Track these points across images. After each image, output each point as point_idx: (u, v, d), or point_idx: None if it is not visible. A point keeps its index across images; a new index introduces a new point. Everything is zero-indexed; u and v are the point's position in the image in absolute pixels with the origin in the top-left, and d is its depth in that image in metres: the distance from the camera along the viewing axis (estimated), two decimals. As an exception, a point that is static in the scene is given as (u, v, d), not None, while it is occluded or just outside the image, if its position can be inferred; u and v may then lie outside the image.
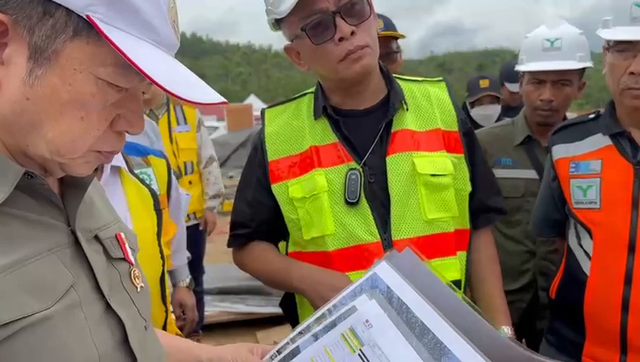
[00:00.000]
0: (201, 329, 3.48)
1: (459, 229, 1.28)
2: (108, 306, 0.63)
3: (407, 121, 1.26)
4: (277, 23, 1.26)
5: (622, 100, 1.33)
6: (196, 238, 3.27)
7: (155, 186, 1.50)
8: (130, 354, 0.64)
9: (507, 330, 1.31)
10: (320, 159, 1.24)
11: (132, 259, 0.72)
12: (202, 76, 0.67)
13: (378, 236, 1.19)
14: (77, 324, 0.58)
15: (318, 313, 0.87)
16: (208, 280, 3.93)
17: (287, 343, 0.86)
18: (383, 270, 0.85)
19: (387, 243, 1.18)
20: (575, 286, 1.37)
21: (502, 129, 2.04)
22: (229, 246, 1.41)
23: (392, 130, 1.25)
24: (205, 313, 3.65)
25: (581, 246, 1.38)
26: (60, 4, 0.53)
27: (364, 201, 1.20)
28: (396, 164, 1.22)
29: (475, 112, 3.16)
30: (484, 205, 1.35)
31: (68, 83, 0.55)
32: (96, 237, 0.67)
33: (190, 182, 3.23)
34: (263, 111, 1.39)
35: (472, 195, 1.31)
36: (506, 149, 1.95)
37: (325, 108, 1.26)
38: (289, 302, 1.40)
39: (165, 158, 1.63)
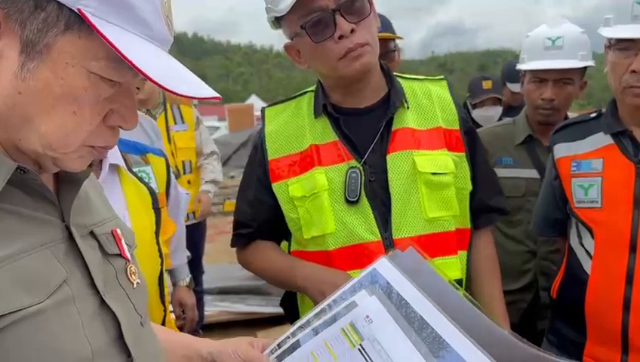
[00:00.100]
0: (201, 328, 3.48)
1: (460, 228, 1.28)
2: (102, 302, 0.63)
3: (408, 120, 1.26)
4: (277, 21, 1.25)
5: (623, 99, 1.33)
6: (196, 238, 3.26)
7: (153, 185, 1.50)
8: (125, 349, 0.64)
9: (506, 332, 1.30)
10: (320, 158, 1.24)
11: (128, 255, 0.72)
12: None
13: (379, 235, 1.19)
14: (70, 319, 0.58)
15: (318, 308, 0.87)
16: (208, 280, 3.93)
17: (288, 337, 0.86)
18: (383, 266, 0.86)
19: (388, 242, 1.18)
20: (576, 286, 1.37)
21: (503, 128, 2.03)
22: (232, 245, 1.41)
23: (393, 129, 1.24)
24: (205, 312, 3.65)
25: (582, 246, 1.38)
26: None
27: (364, 200, 1.20)
28: (397, 163, 1.21)
29: (477, 113, 3.16)
30: (485, 205, 1.35)
31: (60, 77, 0.55)
32: (92, 233, 0.67)
33: (189, 182, 3.22)
34: (263, 110, 1.39)
35: (472, 194, 1.31)
36: (507, 149, 1.95)
37: (325, 106, 1.26)
38: (289, 301, 1.40)
39: (164, 157, 1.63)
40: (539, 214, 1.62)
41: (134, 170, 1.44)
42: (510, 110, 3.11)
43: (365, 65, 1.18)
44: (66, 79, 0.55)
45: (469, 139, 1.31)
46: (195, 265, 3.18)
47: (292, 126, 1.30)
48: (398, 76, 1.34)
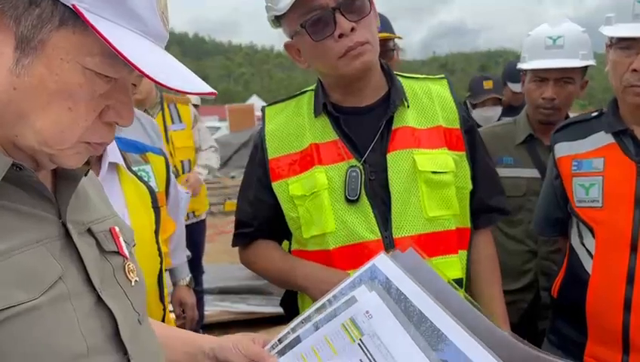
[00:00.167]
0: (201, 328, 3.48)
1: (460, 227, 1.27)
2: (99, 299, 0.63)
3: (408, 118, 1.26)
4: (277, 20, 1.25)
5: (624, 98, 1.33)
6: (195, 237, 3.26)
7: (153, 183, 1.50)
8: (122, 347, 0.64)
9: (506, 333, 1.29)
10: (320, 157, 1.23)
11: (126, 252, 0.72)
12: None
13: (379, 234, 1.18)
14: (65, 315, 0.58)
15: (319, 303, 0.88)
16: (209, 280, 3.93)
17: (288, 333, 0.87)
18: (382, 262, 0.86)
19: (388, 240, 1.18)
20: (577, 286, 1.36)
21: (503, 128, 2.03)
22: (233, 245, 1.41)
23: (393, 127, 1.24)
24: (206, 312, 3.66)
25: (583, 245, 1.37)
26: None
27: (364, 199, 1.20)
28: (397, 162, 1.21)
29: (477, 113, 3.15)
30: (486, 205, 1.34)
31: (55, 73, 0.55)
32: (89, 231, 0.67)
33: (188, 180, 3.21)
34: (263, 109, 1.38)
35: (473, 194, 1.30)
36: (508, 148, 1.94)
37: (325, 105, 1.26)
38: (290, 301, 1.40)
39: (164, 156, 1.63)
40: (540, 214, 1.61)
41: (134, 168, 1.44)
42: (511, 110, 3.10)
43: (365, 64, 1.17)
44: (61, 75, 0.55)
45: (469, 138, 1.30)
46: (195, 265, 3.18)
47: (292, 125, 1.30)
48: (399, 75, 1.33)
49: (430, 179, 1.21)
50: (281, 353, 0.86)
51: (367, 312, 0.82)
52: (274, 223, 1.31)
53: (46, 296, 0.56)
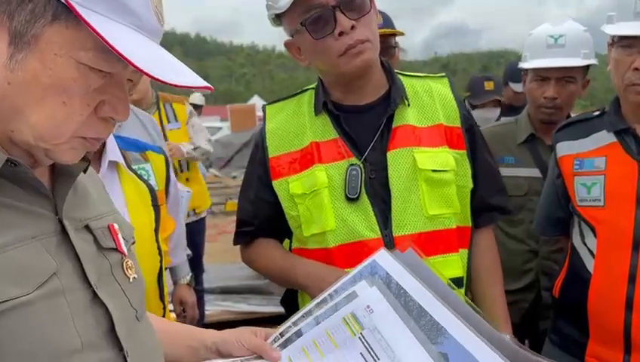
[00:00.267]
0: (202, 327, 3.48)
1: (461, 226, 1.27)
2: (95, 295, 0.63)
3: (409, 117, 1.25)
4: (277, 18, 1.25)
5: (626, 96, 1.32)
6: (195, 236, 3.25)
7: (153, 182, 1.49)
8: (117, 343, 0.64)
9: (507, 338, 1.28)
10: (320, 155, 1.23)
11: (125, 249, 0.72)
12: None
13: (379, 232, 1.18)
14: (59, 311, 0.58)
15: (320, 298, 0.89)
16: (210, 280, 3.94)
17: (290, 326, 0.88)
18: (382, 257, 0.88)
19: (388, 239, 1.18)
20: (579, 285, 1.36)
21: (505, 127, 2.02)
22: (234, 243, 1.41)
23: (393, 126, 1.24)
24: (207, 312, 3.66)
25: (585, 245, 1.37)
26: None
27: (364, 197, 1.19)
28: (397, 160, 1.21)
29: (477, 114, 3.14)
30: (487, 203, 1.34)
31: (48, 67, 0.55)
32: (87, 227, 0.67)
33: (187, 179, 3.21)
34: (264, 108, 1.38)
35: (473, 192, 1.30)
36: (509, 147, 1.94)
37: (326, 103, 1.25)
38: (290, 299, 1.39)
39: (164, 154, 1.62)
40: (541, 213, 1.61)
41: (134, 167, 1.44)
42: (512, 110, 3.09)
43: (365, 62, 1.17)
44: (55, 70, 0.55)
45: (470, 137, 1.30)
46: (196, 264, 3.18)
47: (292, 123, 1.29)
48: (399, 73, 1.33)
49: (430, 178, 1.21)
50: (283, 346, 0.87)
51: (368, 307, 0.83)
52: (275, 222, 1.31)
53: (39, 291, 0.56)
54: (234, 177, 10.77)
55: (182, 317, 1.99)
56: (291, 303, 1.38)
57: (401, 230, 1.18)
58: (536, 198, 1.73)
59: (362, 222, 1.18)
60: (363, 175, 1.20)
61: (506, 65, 3.62)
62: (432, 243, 1.19)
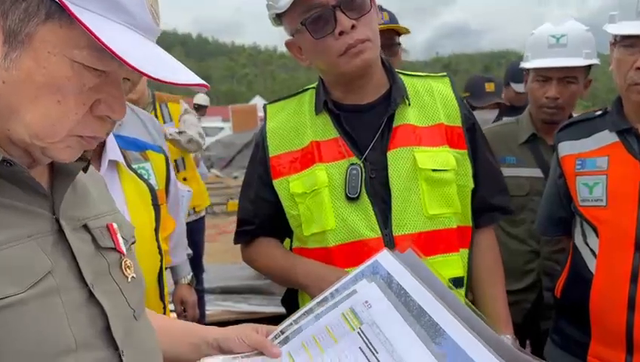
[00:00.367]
0: (203, 327, 3.47)
1: (461, 226, 1.26)
2: (91, 294, 0.63)
3: (409, 116, 1.25)
4: (278, 18, 1.25)
5: (629, 96, 1.32)
6: (195, 237, 3.25)
7: (153, 181, 1.49)
8: (113, 342, 0.64)
9: (509, 338, 1.28)
10: (321, 154, 1.23)
11: (123, 249, 0.72)
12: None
13: (379, 231, 1.18)
14: (53, 310, 0.58)
15: (320, 297, 0.90)
16: (211, 280, 3.93)
17: (291, 324, 0.89)
18: (384, 258, 0.88)
19: (388, 238, 1.17)
20: (580, 285, 1.35)
21: (506, 127, 2.02)
22: (235, 242, 1.41)
23: (394, 125, 1.24)
24: (208, 312, 3.66)
25: (587, 245, 1.36)
26: None
27: (364, 197, 1.19)
28: (397, 159, 1.21)
29: (476, 115, 3.12)
30: (488, 203, 1.33)
31: (42, 66, 0.55)
32: (85, 227, 0.67)
33: (185, 179, 3.20)
34: (265, 107, 1.38)
35: (474, 192, 1.30)
36: (511, 148, 1.93)
37: (326, 103, 1.25)
38: (291, 299, 1.39)
39: (164, 153, 1.62)
40: (543, 213, 1.60)
41: (134, 166, 1.44)
42: (514, 110, 3.08)
43: (366, 62, 1.17)
44: (49, 68, 0.55)
45: (471, 136, 1.30)
46: (195, 264, 3.18)
47: (293, 123, 1.29)
48: (400, 73, 1.33)
49: (431, 177, 1.20)
50: (283, 343, 0.87)
51: (366, 302, 0.84)
52: (275, 221, 1.31)
53: (34, 290, 0.56)
54: (235, 177, 10.77)
55: (182, 316, 1.99)
56: (292, 303, 1.38)
57: (401, 229, 1.18)
58: (537, 198, 1.72)
59: (362, 222, 1.18)
60: (363, 174, 1.20)
61: (508, 64, 3.61)
62: (432, 242, 1.19)
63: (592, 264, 1.33)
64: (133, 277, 0.71)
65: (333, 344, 0.83)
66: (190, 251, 2.02)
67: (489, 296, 1.32)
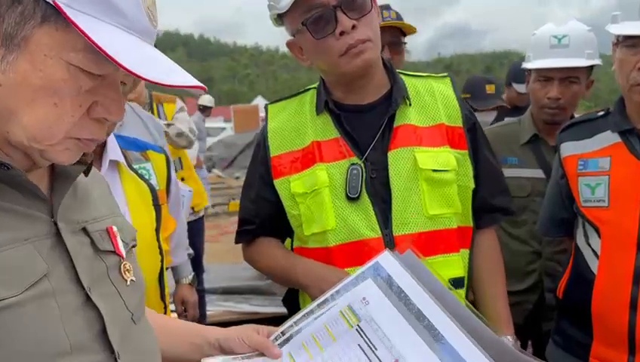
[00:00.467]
0: (203, 327, 3.47)
1: (462, 226, 1.26)
2: (88, 298, 0.63)
3: (410, 116, 1.25)
4: (279, 19, 1.25)
5: (631, 96, 1.31)
6: (194, 237, 3.24)
7: (153, 181, 1.49)
8: (109, 345, 0.63)
9: (509, 339, 1.28)
10: (322, 154, 1.23)
11: (123, 252, 0.72)
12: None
13: (379, 231, 1.18)
14: (48, 313, 0.58)
15: (321, 298, 0.90)
16: (213, 280, 3.93)
17: (291, 326, 0.89)
18: (385, 259, 0.89)
19: (388, 238, 1.17)
20: (583, 286, 1.35)
21: (508, 128, 2.01)
22: (236, 242, 1.41)
23: (395, 125, 1.23)
24: (209, 312, 3.66)
25: (589, 245, 1.36)
26: None
27: (365, 197, 1.19)
28: (398, 160, 1.21)
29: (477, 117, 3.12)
30: (489, 204, 1.33)
31: (38, 69, 0.56)
32: (84, 230, 0.67)
33: (183, 179, 3.20)
34: (266, 107, 1.39)
35: (475, 193, 1.29)
36: (512, 148, 1.93)
37: (327, 103, 1.25)
38: (292, 299, 1.39)
39: (165, 153, 1.62)
40: (545, 214, 1.60)
41: (134, 166, 1.44)
42: (516, 110, 3.08)
43: (366, 62, 1.17)
44: (45, 71, 0.56)
45: (472, 136, 1.29)
46: (196, 264, 3.17)
47: (294, 123, 1.29)
48: (401, 73, 1.33)
49: (431, 177, 1.20)
50: (284, 343, 0.88)
51: (363, 299, 0.85)
52: (276, 221, 1.31)
53: (29, 292, 0.56)
54: (237, 178, 10.79)
55: (183, 316, 1.99)
56: (293, 302, 1.38)
57: (402, 229, 1.18)
58: (539, 199, 1.72)
59: (363, 222, 1.18)
60: (364, 174, 1.19)
61: (510, 65, 3.60)
62: (432, 242, 1.19)
63: (594, 265, 1.33)
64: (132, 280, 0.71)
65: (332, 342, 0.83)
66: (191, 251, 2.02)
67: (490, 297, 1.32)
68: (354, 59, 1.15)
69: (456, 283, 1.22)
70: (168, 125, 3.04)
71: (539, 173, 1.86)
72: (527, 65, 1.89)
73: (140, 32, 0.59)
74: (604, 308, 1.29)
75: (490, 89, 3.12)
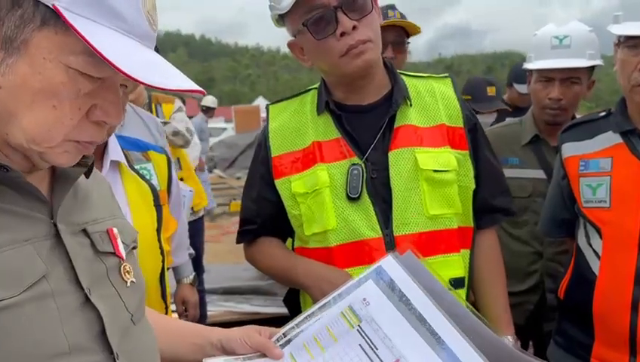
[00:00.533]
0: (204, 327, 3.47)
1: (462, 227, 1.26)
2: (87, 299, 0.63)
3: (411, 117, 1.25)
4: (280, 19, 1.25)
5: (632, 97, 1.31)
6: (194, 237, 3.24)
7: (155, 182, 1.50)
8: (108, 346, 0.64)
9: (510, 340, 1.27)
10: (322, 154, 1.23)
11: (123, 253, 0.72)
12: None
13: (380, 231, 1.18)
14: (46, 314, 0.58)
15: (323, 301, 0.90)
16: (214, 280, 3.93)
17: (293, 327, 0.89)
18: (388, 263, 0.89)
19: (389, 238, 1.18)
20: (584, 287, 1.34)
21: (509, 128, 2.01)
22: (237, 242, 1.42)
23: (395, 126, 1.24)
24: (210, 312, 3.66)
25: (590, 246, 1.36)
26: None
27: (365, 197, 1.19)
28: (398, 160, 1.21)
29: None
30: (489, 205, 1.33)
31: (38, 72, 0.56)
32: (84, 231, 0.67)
33: (182, 179, 3.20)
34: (267, 107, 1.39)
35: (476, 193, 1.29)
36: (514, 149, 1.93)
37: (328, 103, 1.25)
38: (293, 299, 1.39)
39: (166, 154, 1.63)
40: (546, 215, 1.60)
41: (135, 167, 1.45)
42: (517, 111, 3.07)
43: (367, 62, 1.17)
44: (44, 74, 0.56)
45: (472, 137, 1.30)
46: (196, 264, 3.17)
47: (295, 123, 1.30)
48: (402, 74, 1.33)
49: (432, 178, 1.20)
50: (285, 345, 0.88)
51: (364, 299, 0.85)
52: (277, 221, 1.31)
53: (27, 293, 0.56)
54: (238, 178, 10.80)
55: (184, 316, 1.99)
56: (294, 302, 1.39)
57: (402, 229, 1.18)
58: (540, 200, 1.72)
59: (363, 222, 1.18)
60: (364, 174, 1.20)
61: (511, 66, 3.59)
62: (432, 243, 1.19)
63: (595, 265, 1.33)
64: (132, 281, 0.71)
65: (333, 343, 0.83)
66: (192, 251, 2.02)
67: (490, 297, 1.32)
68: (354, 60, 1.15)
69: (457, 283, 1.22)
70: (165, 124, 3.05)
71: (540, 174, 1.86)
72: (528, 65, 1.89)
73: (139, 35, 0.59)
74: (605, 308, 1.29)
75: (491, 91, 3.11)
